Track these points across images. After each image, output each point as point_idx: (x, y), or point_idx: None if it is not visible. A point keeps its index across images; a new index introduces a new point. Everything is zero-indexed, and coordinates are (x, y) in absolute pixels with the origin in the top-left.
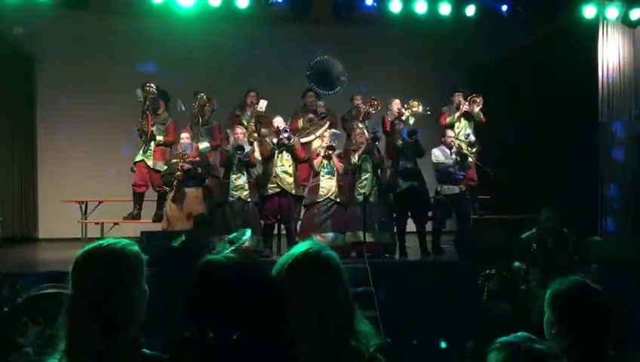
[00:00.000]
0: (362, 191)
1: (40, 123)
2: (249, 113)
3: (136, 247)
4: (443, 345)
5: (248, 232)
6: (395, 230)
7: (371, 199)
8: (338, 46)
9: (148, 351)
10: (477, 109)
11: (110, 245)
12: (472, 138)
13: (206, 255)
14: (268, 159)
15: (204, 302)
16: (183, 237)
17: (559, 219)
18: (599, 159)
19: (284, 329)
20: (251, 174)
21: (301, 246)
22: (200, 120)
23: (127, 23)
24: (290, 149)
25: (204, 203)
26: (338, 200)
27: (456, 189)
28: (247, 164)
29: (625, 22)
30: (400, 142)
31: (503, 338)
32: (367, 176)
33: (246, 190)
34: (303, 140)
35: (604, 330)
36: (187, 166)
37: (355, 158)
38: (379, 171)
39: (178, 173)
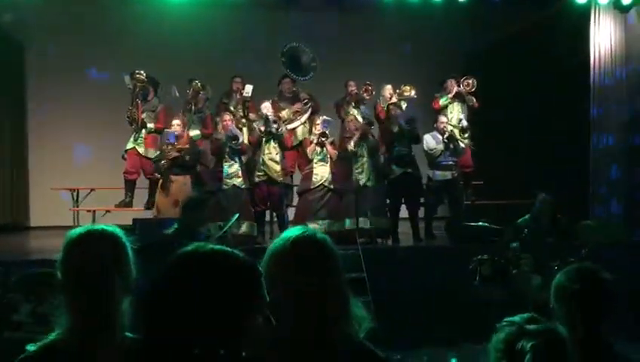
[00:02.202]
0: (360, 177)
1: (30, 110)
2: (235, 99)
3: (125, 234)
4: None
5: (235, 216)
6: (388, 216)
7: (369, 184)
8: (330, 33)
9: (130, 334)
10: (468, 90)
11: (105, 229)
12: (465, 123)
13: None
14: (255, 146)
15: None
16: (176, 225)
17: (554, 204)
18: (590, 143)
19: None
20: (242, 161)
21: (295, 230)
22: (193, 107)
23: (118, 10)
24: (278, 137)
25: (193, 190)
26: (332, 187)
27: (448, 175)
28: (239, 152)
29: (617, 6)
30: (396, 128)
31: (507, 319)
32: (363, 161)
33: (239, 177)
34: (288, 127)
35: (609, 319)
36: (174, 154)
37: (351, 146)
38: (375, 156)
39: (164, 161)
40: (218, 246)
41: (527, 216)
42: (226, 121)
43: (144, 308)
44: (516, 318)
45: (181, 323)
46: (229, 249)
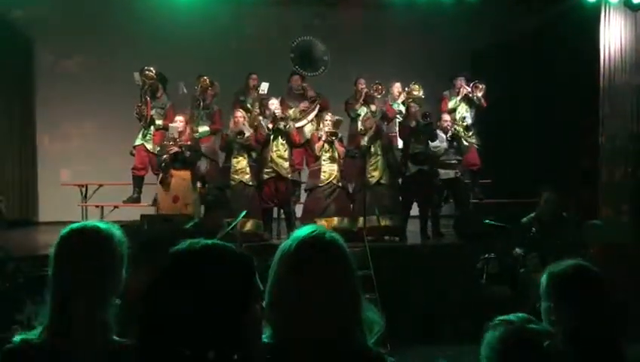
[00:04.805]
0: (373, 174)
1: (39, 106)
2: (252, 96)
3: (120, 232)
4: None
5: (242, 213)
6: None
7: (382, 182)
8: (338, 30)
9: (117, 338)
10: (479, 94)
11: (99, 227)
12: (469, 121)
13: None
14: (263, 144)
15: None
16: (197, 220)
17: (559, 202)
18: (600, 143)
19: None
20: (253, 157)
21: (305, 230)
22: (201, 103)
23: (127, 5)
24: (286, 134)
25: (193, 186)
26: (340, 184)
27: (451, 174)
28: (249, 148)
29: (627, 5)
30: (413, 123)
31: (501, 317)
32: (377, 158)
33: (247, 173)
34: (296, 125)
35: (602, 313)
36: (175, 149)
37: (364, 141)
38: (388, 154)
39: (165, 156)
40: (211, 241)
41: (532, 215)
42: (237, 117)
43: (139, 308)
44: (512, 317)
45: (178, 321)
46: (222, 243)
